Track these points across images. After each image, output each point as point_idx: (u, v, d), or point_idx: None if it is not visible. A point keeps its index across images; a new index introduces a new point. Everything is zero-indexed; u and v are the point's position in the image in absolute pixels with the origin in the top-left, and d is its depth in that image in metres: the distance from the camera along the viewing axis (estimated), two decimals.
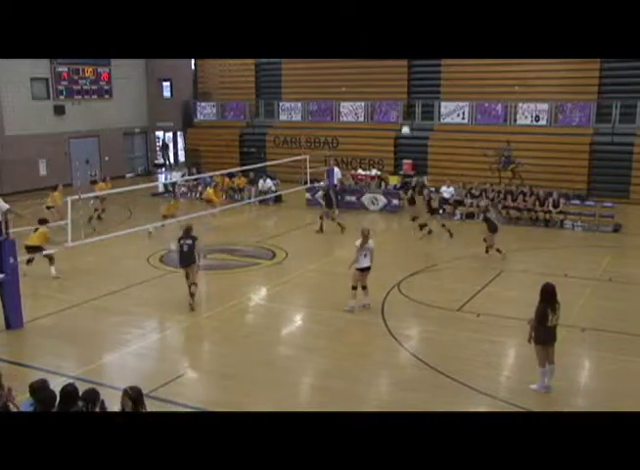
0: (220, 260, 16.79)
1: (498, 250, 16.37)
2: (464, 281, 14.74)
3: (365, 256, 12.44)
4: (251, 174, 25.11)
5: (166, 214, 19.07)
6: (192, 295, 13.06)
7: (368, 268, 12.55)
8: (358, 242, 12.44)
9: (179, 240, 13.26)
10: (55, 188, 20.65)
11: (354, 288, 12.58)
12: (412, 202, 19.87)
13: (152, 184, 24.56)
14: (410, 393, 9.33)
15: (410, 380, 9.88)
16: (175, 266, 15.41)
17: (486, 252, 16.56)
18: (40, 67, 27.68)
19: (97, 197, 20.07)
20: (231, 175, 25.11)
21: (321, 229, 19.59)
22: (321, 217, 19.72)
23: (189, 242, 13.09)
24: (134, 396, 6.36)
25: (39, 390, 6.42)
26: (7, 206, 13.50)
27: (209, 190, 22.51)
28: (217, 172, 23.30)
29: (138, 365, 10.62)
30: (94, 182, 23.53)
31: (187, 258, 13.14)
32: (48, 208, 19.79)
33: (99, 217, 21.07)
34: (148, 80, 33.44)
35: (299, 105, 30.72)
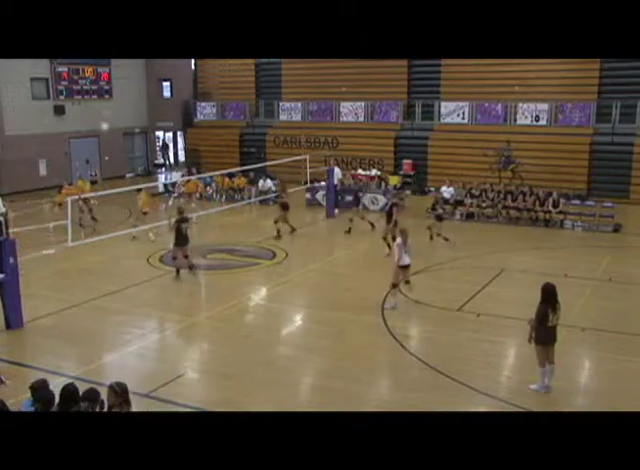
0: (220, 260, 16.78)
1: (444, 238, 17.65)
2: (464, 281, 14.73)
3: (406, 252, 12.85)
4: (252, 174, 25.10)
5: (144, 210, 19.21)
6: (191, 267, 14.91)
7: (409, 265, 12.98)
8: (399, 240, 12.90)
9: (179, 222, 14.75)
10: (60, 189, 20.65)
11: (395, 286, 12.92)
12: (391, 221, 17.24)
13: (152, 184, 24.54)
14: (410, 393, 9.33)
15: (410, 380, 9.88)
16: (170, 265, 15.57)
17: (445, 240, 17.68)
18: (40, 67, 27.69)
19: (79, 198, 18.68)
20: (231, 175, 25.12)
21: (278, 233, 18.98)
22: (276, 221, 19.06)
23: (186, 224, 14.90)
24: (120, 391, 6.32)
25: (39, 389, 6.42)
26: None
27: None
28: (217, 172, 23.34)
29: (138, 365, 10.62)
30: (94, 182, 23.41)
31: (186, 239, 14.89)
32: (60, 205, 19.64)
33: (93, 218, 20.43)
34: (148, 80, 33.43)
35: (299, 105, 30.73)
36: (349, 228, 19.31)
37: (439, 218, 18.28)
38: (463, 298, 13.40)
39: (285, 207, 19.07)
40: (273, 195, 24.37)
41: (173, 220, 14.94)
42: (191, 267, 15.10)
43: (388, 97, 28.90)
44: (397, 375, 10.31)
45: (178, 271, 15.03)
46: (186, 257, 14.95)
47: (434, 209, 18.72)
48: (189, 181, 23.69)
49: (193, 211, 19.50)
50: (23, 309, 11.94)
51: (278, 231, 18.83)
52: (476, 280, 14.69)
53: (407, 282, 13.14)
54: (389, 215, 17.02)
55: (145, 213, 19.14)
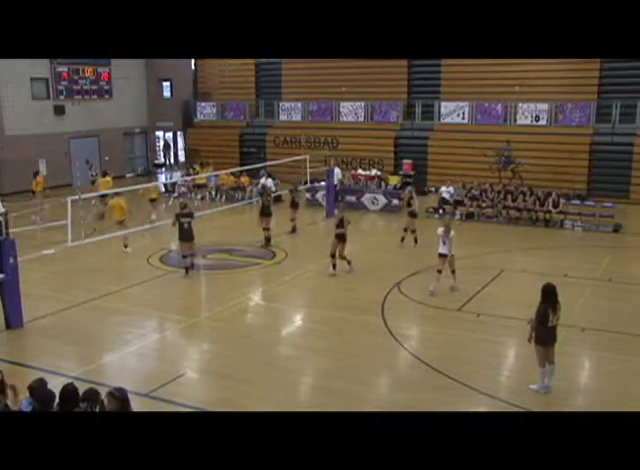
0: (220, 260, 16.78)
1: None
2: (464, 281, 14.71)
3: (444, 243, 13.64)
4: (262, 171, 25.17)
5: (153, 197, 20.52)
6: (192, 265, 15.17)
7: (445, 255, 13.69)
8: (440, 230, 13.76)
9: (179, 217, 14.96)
10: (36, 173, 22.12)
11: (439, 271, 13.77)
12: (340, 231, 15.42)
13: (152, 184, 24.50)
14: (410, 393, 9.33)
15: (410, 380, 9.88)
16: (174, 267, 15.63)
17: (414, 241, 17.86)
18: (40, 67, 27.68)
19: (104, 195, 19.11)
20: (234, 174, 25.19)
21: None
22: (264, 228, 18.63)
23: (189, 219, 14.94)
24: (120, 397, 6.22)
25: (37, 389, 6.41)
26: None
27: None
28: (223, 171, 23.41)
29: (138, 365, 10.62)
30: (94, 182, 23.39)
31: (189, 235, 14.95)
32: (33, 192, 21.11)
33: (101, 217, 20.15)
34: (148, 80, 33.42)
35: (299, 105, 30.74)
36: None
37: (413, 215, 18.11)
38: (463, 298, 13.41)
39: (295, 205, 19.92)
40: (273, 195, 24.37)
41: (175, 215, 15.30)
42: (191, 266, 15.19)
43: (389, 97, 28.91)
44: (397, 375, 10.31)
45: (188, 269, 15.18)
46: (192, 255, 15.20)
47: (408, 205, 18.46)
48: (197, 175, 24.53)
49: (204, 204, 20.13)
50: (23, 309, 11.94)
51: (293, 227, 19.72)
52: (476, 280, 14.69)
53: (453, 271, 13.85)
54: (339, 227, 15.17)
55: (153, 200, 20.39)
